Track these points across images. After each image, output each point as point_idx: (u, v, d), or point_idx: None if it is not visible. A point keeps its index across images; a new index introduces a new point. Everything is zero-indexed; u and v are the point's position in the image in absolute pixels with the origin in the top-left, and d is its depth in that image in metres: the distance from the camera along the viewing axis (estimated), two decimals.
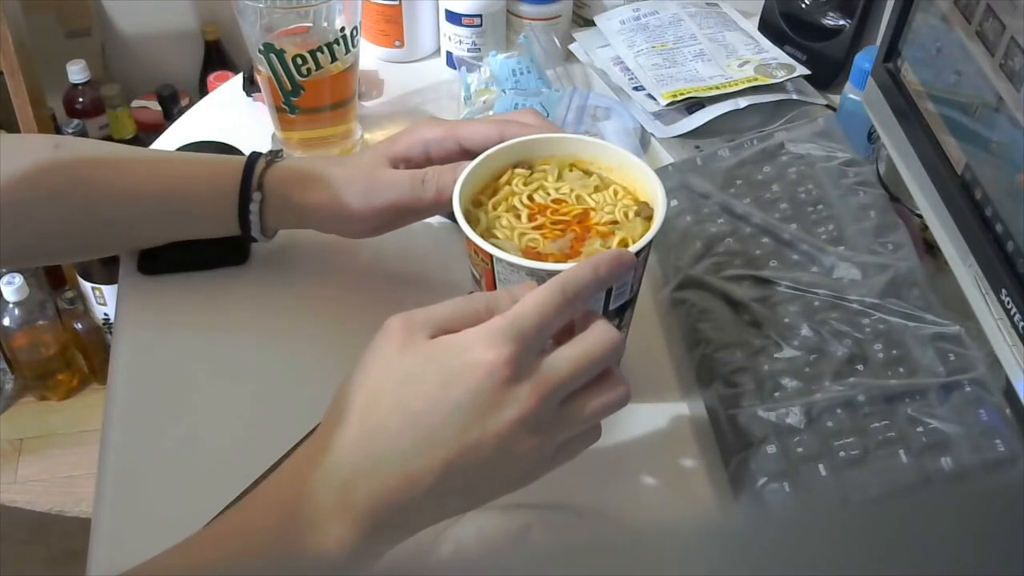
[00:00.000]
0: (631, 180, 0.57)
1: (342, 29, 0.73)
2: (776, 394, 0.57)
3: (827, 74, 0.88)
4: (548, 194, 0.56)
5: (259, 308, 0.67)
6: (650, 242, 0.52)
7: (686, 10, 0.94)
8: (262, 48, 0.72)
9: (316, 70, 0.73)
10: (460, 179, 0.54)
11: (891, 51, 0.65)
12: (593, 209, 0.56)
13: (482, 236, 0.52)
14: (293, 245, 0.69)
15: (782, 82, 0.85)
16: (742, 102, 0.83)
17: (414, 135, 0.62)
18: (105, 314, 1.65)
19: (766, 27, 0.93)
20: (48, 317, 1.61)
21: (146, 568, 0.42)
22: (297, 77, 0.73)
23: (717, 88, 0.84)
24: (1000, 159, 0.52)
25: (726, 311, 0.62)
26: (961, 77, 0.56)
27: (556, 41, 0.91)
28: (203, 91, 1.66)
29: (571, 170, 0.58)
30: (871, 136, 0.78)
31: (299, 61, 0.72)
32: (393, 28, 0.92)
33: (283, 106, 0.76)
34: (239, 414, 0.60)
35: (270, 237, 0.66)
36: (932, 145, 0.59)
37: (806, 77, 0.86)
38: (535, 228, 0.54)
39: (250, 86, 0.87)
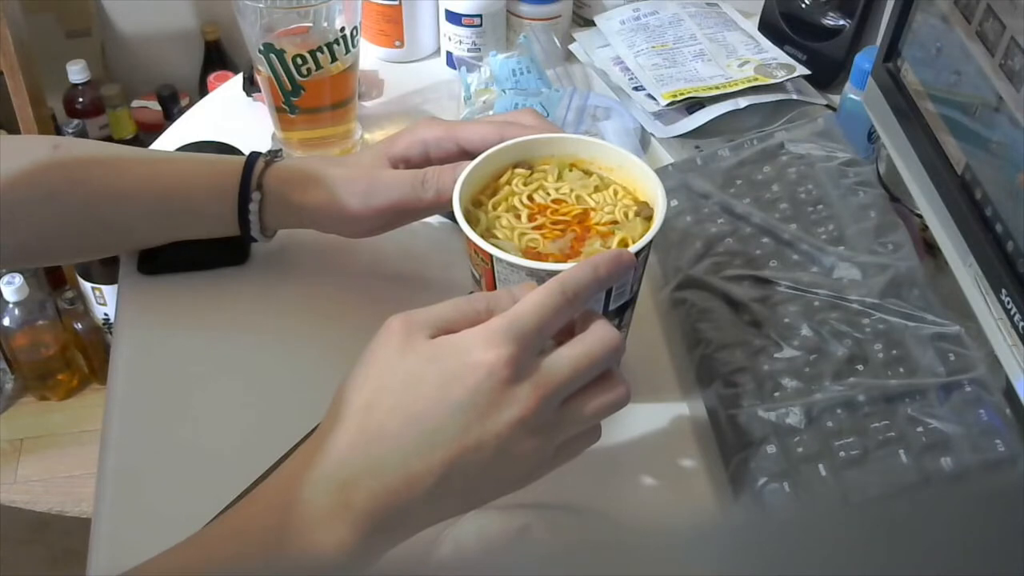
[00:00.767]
0: (631, 180, 0.57)
1: (342, 29, 0.73)
2: (776, 394, 0.57)
3: (827, 74, 0.88)
4: (548, 194, 0.56)
5: (259, 308, 0.67)
6: (650, 242, 0.52)
7: (686, 10, 0.94)
8: (262, 48, 0.72)
9: (316, 70, 0.73)
10: (460, 179, 0.54)
11: (891, 51, 0.65)
12: (593, 209, 0.56)
13: (482, 236, 0.52)
14: (293, 245, 0.69)
15: (782, 82, 0.85)
16: (742, 102, 0.83)
17: (413, 135, 0.62)
18: (105, 314, 1.65)
19: (766, 27, 0.93)
20: (48, 317, 1.61)
21: (146, 568, 0.42)
22: (297, 77, 0.73)
23: (717, 88, 0.84)
24: (1000, 159, 0.52)
25: (726, 311, 0.62)
26: (961, 77, 0.56)
27: (556, 41, 0.91)
28: (203, 91, 1.66)
29: (571, 170, 0.58)
30: (871, 136, 0.78)
31: (299, 61, 0.72)
32: (393, 28, 0.92)
33: (283, 106, 0.76)
34: (239, 414, 0.60)
35: (269, 237, 0.66)
36: (932, 145, 0.59)
37: (806, 77, 0.86)
38: (535, 228, 0.54)
39: (250, 86, 0.87)
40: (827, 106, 0.86)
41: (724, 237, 0.67)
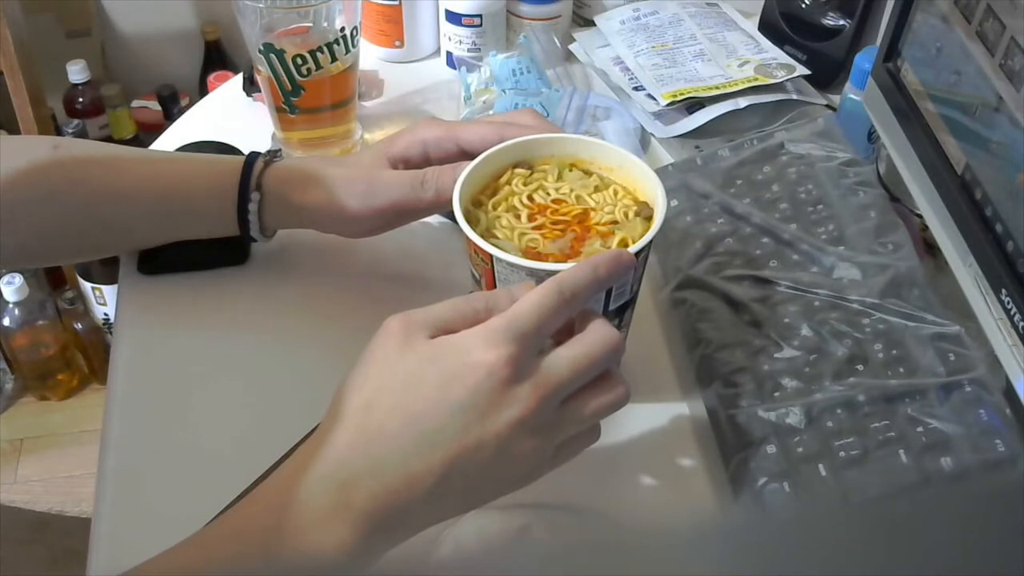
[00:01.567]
0: (631, 180, 0.57)
1: (342, 29, 0.73)
2: (776, 394, 0.57)
3: (827, 74, 0.88)
4: (548, 194, 0.56)
5: (259, 308, 0.67)
6: (650, 242, 0.52)
7: (686, 10, 0.94)
8: (262, 48, 0.72)
9: (316, 70, 0.73)
10: (460, 179, 0.54)
11: (891, 51, 0.65)
12: (593, 209, 0.56)
13: (482, 236, 0.51)
14: (293, 245, 0.69)
15: (782, 82, 0.85)
16: (742, 102, 0.83)
17: (413, 136, 0.62)
18: (105, 314, 1.65)
19: (766, 27, 0.93)
20: (48, 317, 1.61)
21: (146, 568, 0.42)
22: (297, 77, 0.73)
23: (717, 88, 0.84)
24: (1000, 159, 0.52)
25: (726, 311, 0.62)
26: (961, 77, 0.56)
27: (556, 41, 0.91)
28: (203, 91, 1.66)
29: (571, 170, 0.58)
30: (871, 136, 0.78)
31: (299, 61, 0.72)
32: (393, 28, 0.92)
33: (283, 106, 0.76)
34: (239, 414, 0.60)
35: (269, 237, 0.66)
36: (932, 145, 0.59)
37: (806, 77, 0.86)
38: (535, 228, 0.54)
39: (250, 86, 0.87)
40: (827, 106, 0.86)
41: (724, 237, 0.67)
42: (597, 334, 0.45)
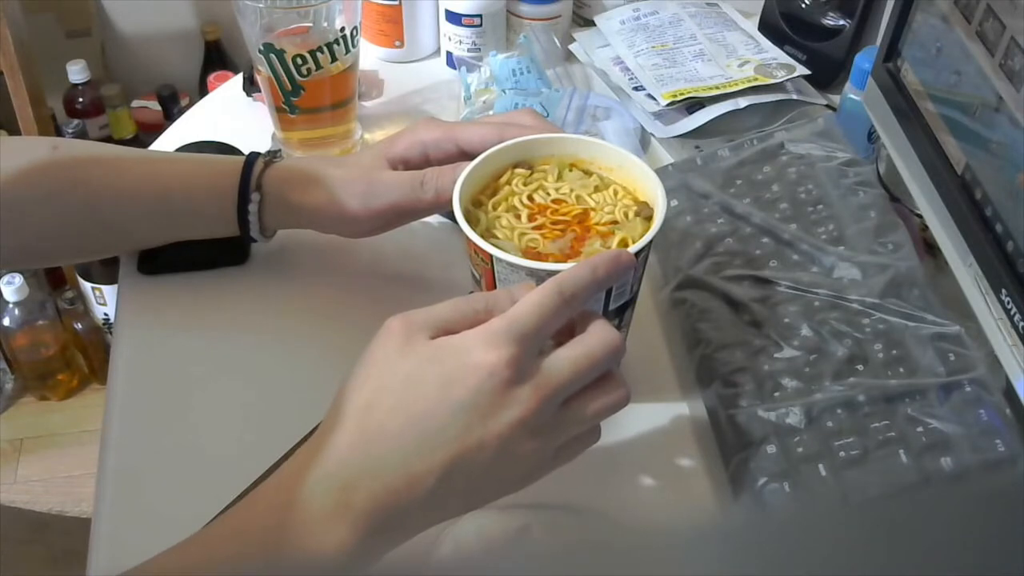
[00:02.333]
0: (631, 180, 0.57)
1: (342, 29, 0.73)
2: (776, 394, 0.57)
3: (827, 74, 0.88)
4: (548, 194, 0.56)
5: (259, 308, 0.67)
6: (650, 242, 0.52)
7: (686, 10, 0.94)
8: (262, 48, 0.72)
9: (316, 70, 0.73)
10: (460, 179, 0.54)
11: (891, 51, 0.65)
12: (593, 209, 0.56)
13: (482, 236, 0.51)
14: (293, 245, 0.69)
15: (782, 82, 0.85)
16: (742, 102, 0.83)
17: (412, 136, 0.62)
18: (105, 314, 1.65)
19: (766, 27, 0.93)
20: (48, 317, 1.61)
21: (146, 568, 0.42)
22: (297, 77, 0.73)
23: (717, 88, 0.84)
24: (1000, 159, 0.52)
25: (726, 311, 0.62)
26: (961, 77, 0.56)
27: (556, 41, 0.91)
28: (203, 91, 1.66)
29: (571, 170, 0.58)
30: (871, 136, 0.78)
31: (299, 61, 0.72)
32: (393, 28, 0.92)
33: (283, 106, 0.76)
34: (239, 414, 0.60)
35: (269, 237, 0.66)
36: (932, 145, 0.59)
37: (806, 77, 0.86)
38: (535, 228, 0.54)
39: (250, 86, 0.87)
40: (827, 106, 0.86)
41: (724, 237, 0.67)
42: (598, 335, 0.45)
